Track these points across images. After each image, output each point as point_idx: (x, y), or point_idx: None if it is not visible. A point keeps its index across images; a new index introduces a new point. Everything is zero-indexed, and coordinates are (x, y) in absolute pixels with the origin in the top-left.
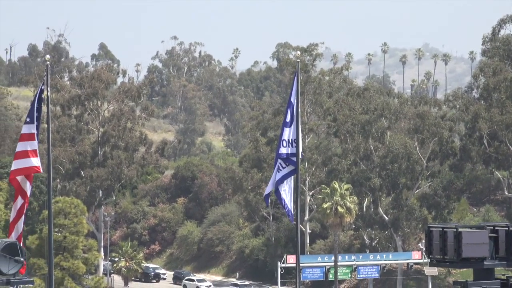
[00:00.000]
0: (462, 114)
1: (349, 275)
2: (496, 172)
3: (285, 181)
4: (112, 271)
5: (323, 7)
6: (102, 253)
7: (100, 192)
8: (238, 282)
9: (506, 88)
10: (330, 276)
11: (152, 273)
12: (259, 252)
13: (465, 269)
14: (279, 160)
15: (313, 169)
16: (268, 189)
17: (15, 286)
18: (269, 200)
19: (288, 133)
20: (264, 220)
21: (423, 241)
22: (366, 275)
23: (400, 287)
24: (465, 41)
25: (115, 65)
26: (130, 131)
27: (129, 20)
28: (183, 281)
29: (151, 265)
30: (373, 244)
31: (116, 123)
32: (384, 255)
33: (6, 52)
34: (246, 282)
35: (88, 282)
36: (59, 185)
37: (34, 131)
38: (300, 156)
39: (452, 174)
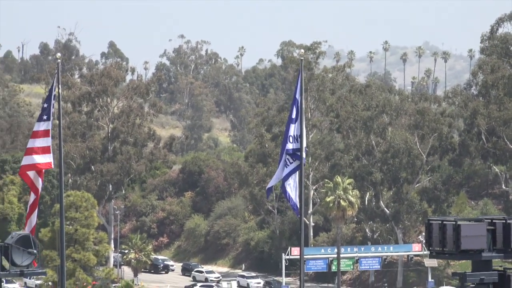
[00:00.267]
0: (461, 110)
1: (352, 267)
2: (494, 167)
3: (291, 176)
4: (122, 263)
5: (326, 6)
6: (112, 245)
7: (110, 186)
8: (245, 274)
9: (504, 85)
10: (333, 268)
11: (161, 265)
12: (264, 244)
13: (463, 261)
14: (287, 156)
15: (317, 164)
16: (272, 182)
17: (29, 277)
18: (272, 194)
19: (293, 129)
20: (269, 213)
21: (423, 233)
22: (368, 267)
23: (400, 278)
24: (464, 39)
25: (124, 63)
26: (139, 127)
27: (137, 19)
28: (193, 272)
29: (160, 257)
30: (375, 236)
31: (125, 119)
32: (385, 247)
33: (18, 51)
34: (253, 274)
35: (99, 273)
36: (70, 180)
37: (49, 128)
38: (304, 151)
39: (451, 169)
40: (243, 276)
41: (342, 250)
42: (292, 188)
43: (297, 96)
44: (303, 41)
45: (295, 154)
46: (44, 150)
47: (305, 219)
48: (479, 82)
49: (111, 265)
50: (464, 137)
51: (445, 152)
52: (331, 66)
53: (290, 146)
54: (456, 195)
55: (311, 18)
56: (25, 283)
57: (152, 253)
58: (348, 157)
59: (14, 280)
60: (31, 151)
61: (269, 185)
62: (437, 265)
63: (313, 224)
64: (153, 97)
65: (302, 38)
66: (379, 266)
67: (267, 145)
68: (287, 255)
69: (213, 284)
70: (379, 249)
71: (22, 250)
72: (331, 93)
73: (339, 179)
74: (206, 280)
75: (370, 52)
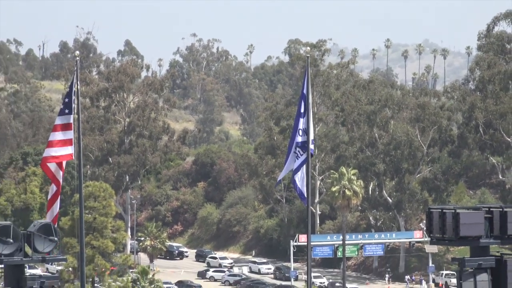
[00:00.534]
0: (459, 104)
1: (356, 253)
2: (491, 158)
3: (302, 167)
4: (139, 250)
5: (331, 6)
6: (129, 233)
7: (127, 177)
8: (256, 260)
9: (500, 80)
10: (339, 254)
11: (176, 251)
12: (273, 231)
13: (462, 247)
14: (297, 148)
15: (323, 155)
16: (283, 173)
17: (50, 263)
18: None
19: (302, 123)
20: (278, 202)
21: (424, 221)
22: (372, 253)
23: (403, 264)
24: (462, 37)
25: (139, 60)
26: (154, 121)
27: (152, 18)
28: (207, 258)
29: (174, 244)
30: (378, 224)
31: (140, 114)
32: (388, 234)
33: (39, 49)
34: (264, 260)
35: (116, 260)
36: (89, 171)
37: (71, 121)
38: (311, 143)
39: (451, 160)
40: (254, 262)
41: (347, 237)
42: (300, 178)
43: (305, 91)
44: (309, 39)
45: (305, 146)
46: (66, 143)
47: (312, 208)
48: (476, 77)
49: (128, 252)
50: (463, 130)
51: (444, 144)
52: (335, 63)
53: (299, 139)
54: (455, 184)
55: (317, 17)
56: (47, 268)
57: (167, 240)
58: (352, 149)
59: (36, 266)
60: (52, 144)
61: (280, 176)
62: (437, 251)
63: (320, 212)
64: (167, 92)
65: (309, 36)
66: (382, 252)
67: (275, 138)
68: (295, 242)
69: (225, 269)
70: (382, 236)
71: (43, 238)
72: (336, 88)
73: (344, 170)
74: (220, 265)
75: (373, 49)
